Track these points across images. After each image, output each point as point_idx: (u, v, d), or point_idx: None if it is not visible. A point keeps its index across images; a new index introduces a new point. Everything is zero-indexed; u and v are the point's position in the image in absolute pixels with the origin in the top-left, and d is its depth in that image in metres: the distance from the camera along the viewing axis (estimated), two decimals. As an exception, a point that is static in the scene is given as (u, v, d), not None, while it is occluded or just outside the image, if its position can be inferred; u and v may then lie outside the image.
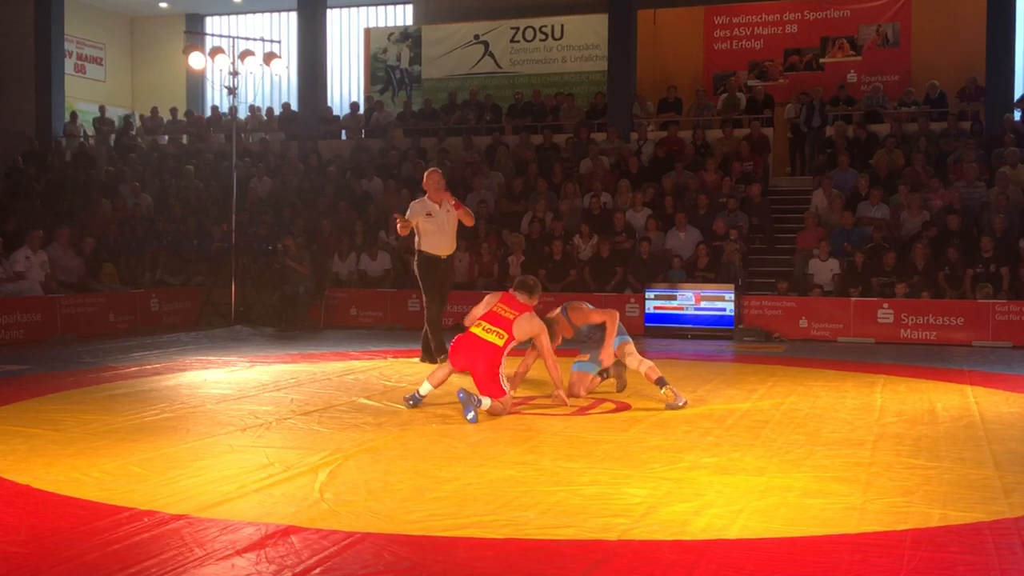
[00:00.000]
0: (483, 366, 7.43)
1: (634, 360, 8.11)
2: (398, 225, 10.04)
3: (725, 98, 19.66)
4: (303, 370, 10.04)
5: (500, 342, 7.48)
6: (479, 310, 7.82)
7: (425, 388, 7.70)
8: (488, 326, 7.57)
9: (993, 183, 15.37)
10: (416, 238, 10.26)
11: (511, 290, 8.05)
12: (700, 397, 8.37)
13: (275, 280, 15.68)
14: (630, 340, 8.27)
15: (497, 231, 16.17)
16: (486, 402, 7.35)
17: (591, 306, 8.38)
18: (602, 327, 8.18)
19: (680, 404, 7.76)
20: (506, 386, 7.49)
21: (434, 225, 10.13)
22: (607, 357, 8.19)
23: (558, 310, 8.29)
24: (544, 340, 7.80)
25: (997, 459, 5.94)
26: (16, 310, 13.03)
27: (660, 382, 7.87)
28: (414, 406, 7.62)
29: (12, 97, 21.82)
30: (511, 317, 7.62)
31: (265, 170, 19.51)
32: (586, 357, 8.37)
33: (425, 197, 10.23)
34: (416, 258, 10.36)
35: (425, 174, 10.42)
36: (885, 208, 15.32)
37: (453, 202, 10.21)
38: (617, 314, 8.29)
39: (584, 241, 15.58)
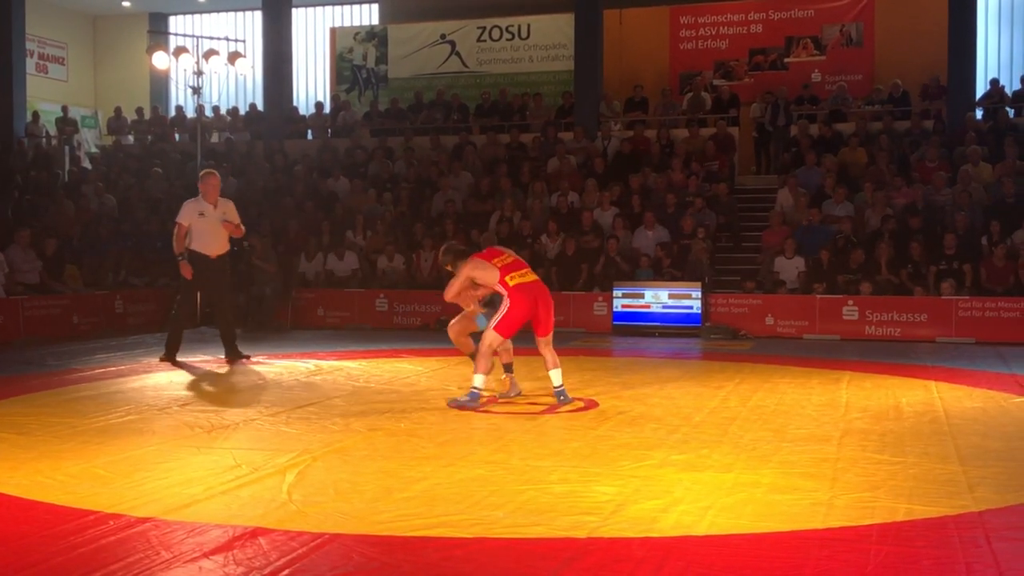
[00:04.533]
0: (549, 302, 7.88)
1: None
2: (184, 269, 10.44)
3: (690, 97, 19.76)
4: (270, 371, 9.98)
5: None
6: (488, 274, 7.79)
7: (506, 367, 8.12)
8: (525, 271, 7.89)
9: (956, 181, 15.55)
10: (188, 238, 10.53)
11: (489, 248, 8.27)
12: (668, 395, 8.40)
13: (241, 280, 15.57)
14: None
15: (465, 230, 16.15)
16: (555, 376, 7.83)
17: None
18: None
19: (474, 395, 8.06)
20: None
21: (206, 225, 10.45)
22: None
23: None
24: None
25: (961, 454, 6.01)
26: (-22, 312, 12.87)
27: (476, 357, 8.18)
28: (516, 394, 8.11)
29: (-28, 97, 21.53)
30: (515, 256, 8.00)
31: (230, 170, 19.38)
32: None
33: (200, 197, 10.56)
34: (181, 255, 10.49)
35: (203, 175, 10.71)
36: (849, 206, 15.45)
37: (232, 225, 10.56)
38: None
39: (552, 240, 15.60)
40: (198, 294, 10.93)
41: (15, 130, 21.38)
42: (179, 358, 10.74)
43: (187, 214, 10.48)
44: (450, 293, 7.97)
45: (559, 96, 20.79)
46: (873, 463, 5.76)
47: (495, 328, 7.69)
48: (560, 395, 7.82)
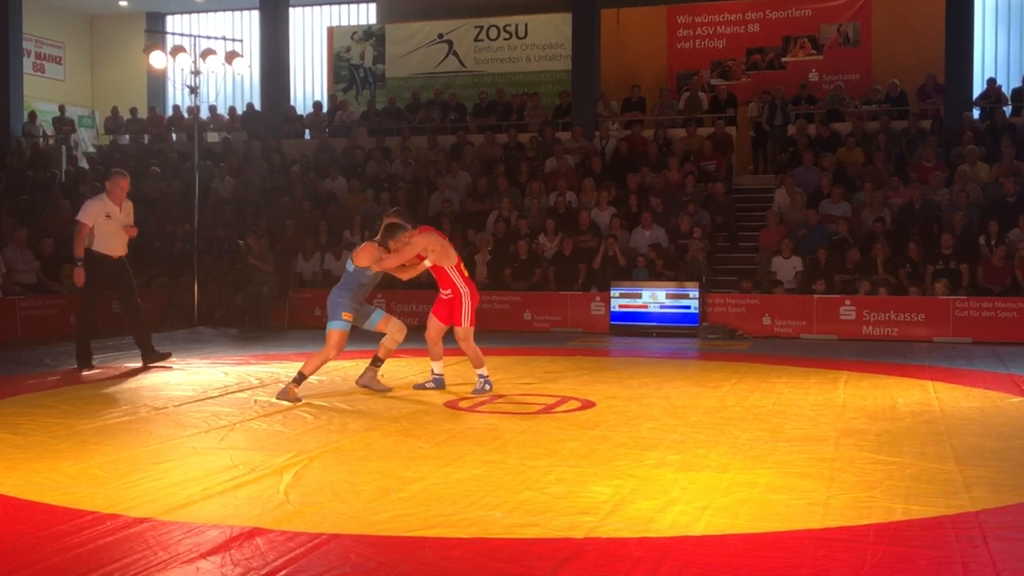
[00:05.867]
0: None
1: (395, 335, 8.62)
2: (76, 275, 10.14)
3: (687, 97, 19.76)
4: (267, 371, 9.98)
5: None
6: (449, 256, 8.33)
7: (439, 367, 8.65)
8: None
9: (953, 180, 15.56)
10: (88, 238, 10.14)
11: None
12: (665, 395, 8.40)
13: (239, 280, 15.57)
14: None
15: (463, 230, 16.15)
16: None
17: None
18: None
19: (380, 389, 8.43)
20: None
21: (111, 227, 10.17)
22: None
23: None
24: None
25: (957, 454, 6.02)
26: (-26, 312, 12.85)
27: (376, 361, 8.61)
28: (436, 387, 8.60)
29: (-31, 97, 21.51)
30: None
31: (228, 170, 19.38)
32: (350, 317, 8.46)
33: (106, 197, 10.24)
34: (84, 258, 10.08)
35: (114, 175, 10.43)
36: (847, 206, 15.46)
37: (134, 229, 10.45)
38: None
39: (549, 240, 15.60)
40: (95, 297, 10.54)
41: (12, 130, 21.38)
42: (179, 358, 10.74)
43: (92, 214, 10.06)
44: (391, 263, 8.16)
45: (556, 96, 20.79)
46: (870, 463, 5.76)
47: (470, 324, 8.31)
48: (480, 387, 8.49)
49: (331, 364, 10.49)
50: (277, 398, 8.01)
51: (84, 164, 21.62)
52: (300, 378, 8.13)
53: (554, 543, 4.26)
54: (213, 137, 21.76)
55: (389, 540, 4.31)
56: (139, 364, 10.39)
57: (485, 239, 15.61)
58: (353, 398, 8.18)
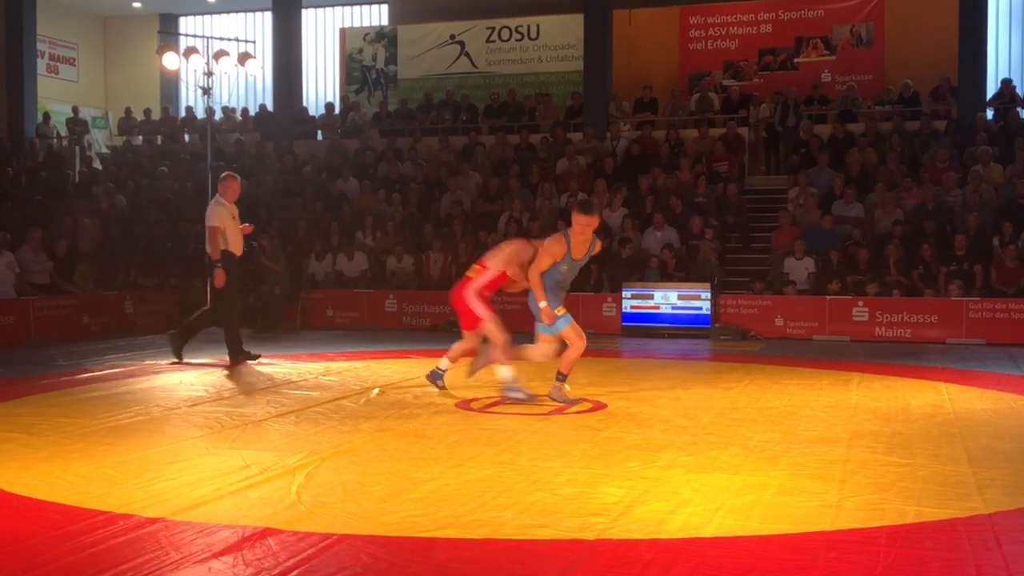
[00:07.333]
0: (457, 302, 8.30)
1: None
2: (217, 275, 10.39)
3: (698, 98, 19.73)
4: (279, 371, 10.00)
5: (472, 274, 8.25)
6: None
7: (444, 363, 8.57)
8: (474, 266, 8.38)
9: (966, 181, 15.50)
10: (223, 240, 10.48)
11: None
12: (676, 396, 8.39)
13: (251, 281, 15.60)
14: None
15: (474, 231, 16.16)
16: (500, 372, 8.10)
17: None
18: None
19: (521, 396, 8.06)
20: (482, 312, 8.12)
21: (236, 228, 10.63)
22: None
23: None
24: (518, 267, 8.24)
25: (971, 456, 5.99)
26: (-12, 313, 12.91)
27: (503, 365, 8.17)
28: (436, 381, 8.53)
29: (-17, 98, 21.63)
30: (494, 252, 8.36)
31: (240, 170, 19.40)
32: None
33: (223, 200, 10.54)
34: (222, 259, 10.41)
35: (227, 178, 10.72)
36: (859, 207, 15.42)
37: (249, 228, 10.97)
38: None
39: (561, 241, 15.56)
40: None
41: (26, 131, 21.47)
42: (186, 359, 10.80)
43: (221, 217, 10.41)
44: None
45: (568, 96, 20.80)
46: (882, 465, 5.74)
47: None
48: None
49: (342, 364, 10.57)
50: (553, 398, 7.97)
51: (98, 165, 21.71)
52: (563, 377, 7.99)
53: (565, 544, 4.26)
54: (227, 137, 21.81)
55: (400, 541, 4.31)
56: (227, 360, 10.55)
57: (495, 241, 15.59)
58: (364, 399, 8.19)
